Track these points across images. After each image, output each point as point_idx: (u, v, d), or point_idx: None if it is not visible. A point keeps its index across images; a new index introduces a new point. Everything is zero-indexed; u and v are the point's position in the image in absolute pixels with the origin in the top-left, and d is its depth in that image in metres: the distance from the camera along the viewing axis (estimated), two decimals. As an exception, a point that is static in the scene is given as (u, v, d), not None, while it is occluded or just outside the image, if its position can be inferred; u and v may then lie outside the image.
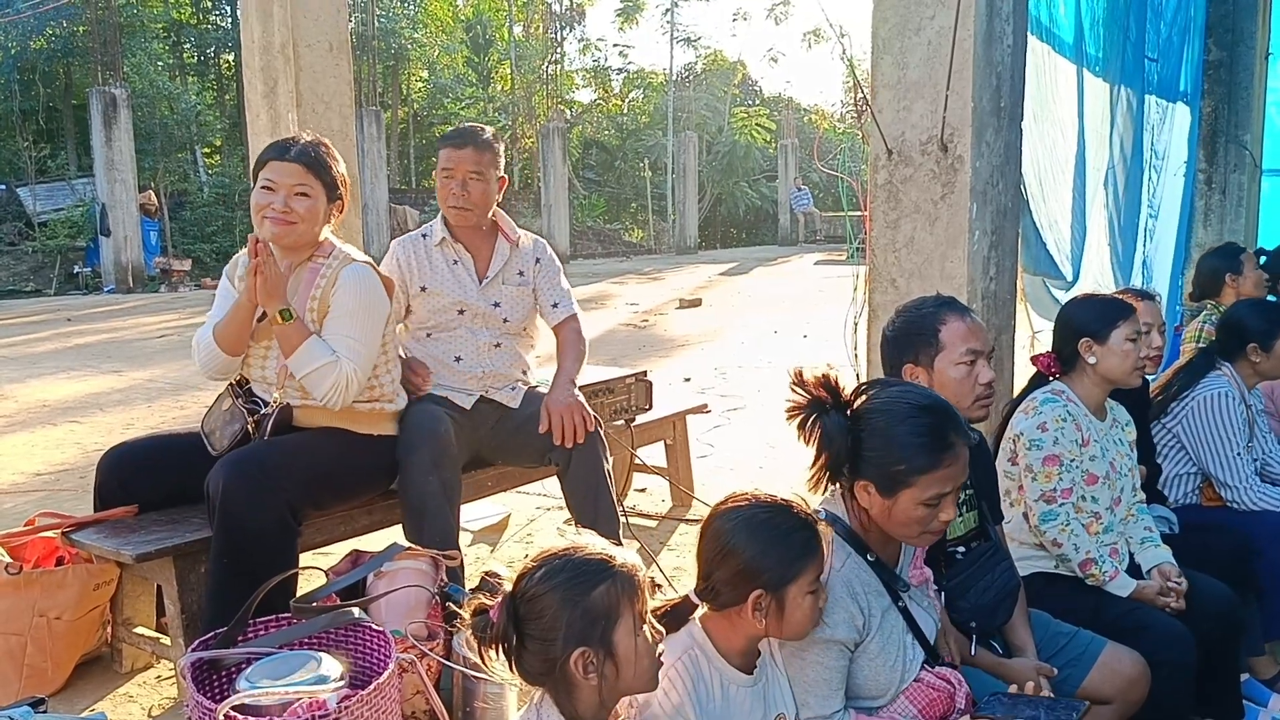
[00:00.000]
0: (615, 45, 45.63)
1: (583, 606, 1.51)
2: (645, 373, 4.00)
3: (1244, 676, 3.15)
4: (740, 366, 8.55)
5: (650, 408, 4.00)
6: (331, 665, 1.96)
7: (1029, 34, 3.83)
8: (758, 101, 34.69)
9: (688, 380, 7.83)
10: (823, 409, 1.84)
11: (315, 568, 2.72)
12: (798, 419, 1.85)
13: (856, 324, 3.88)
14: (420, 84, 29.64)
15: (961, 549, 2.44)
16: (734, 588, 1.71)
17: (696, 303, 13.26)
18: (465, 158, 3.25)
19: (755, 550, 1.70)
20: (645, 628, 1.56)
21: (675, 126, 27.89)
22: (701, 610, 1.79)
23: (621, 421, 3.87)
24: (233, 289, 2.85)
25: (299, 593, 2.54)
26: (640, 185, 29.66)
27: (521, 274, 3.41)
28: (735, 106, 31.98)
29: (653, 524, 4.44)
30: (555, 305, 3.44)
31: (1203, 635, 2.61)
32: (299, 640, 2.19)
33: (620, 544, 1.67)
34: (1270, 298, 4.49)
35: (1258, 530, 3.25)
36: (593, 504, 3.12)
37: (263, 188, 2.75)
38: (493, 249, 3.39)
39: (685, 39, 33.48)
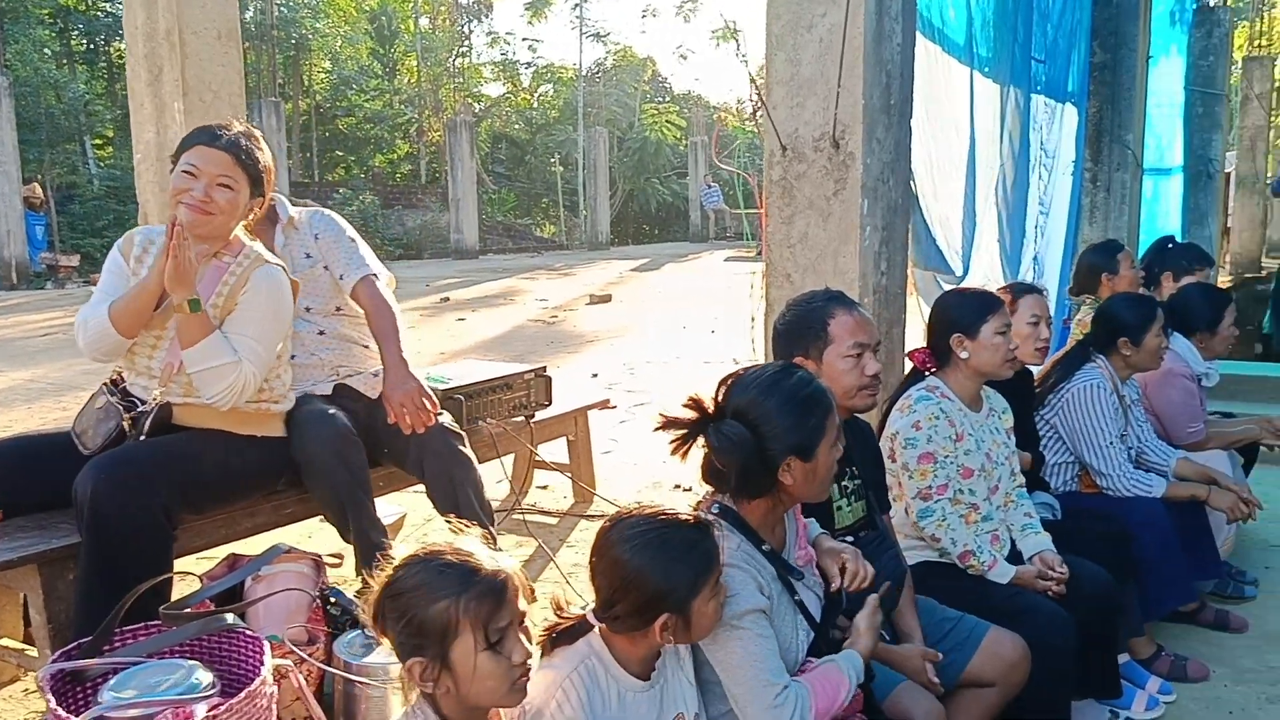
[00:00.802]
0: (524, 39, 45.53)
1: (418, 620, 1.49)
2: (544, 368, 3.95)
3: (1124, 658, 3.26)
4: (649, 362, 8.57)
5: (550, 404, 3.96)
6: (202, 674, 1.88)
7: (921, 35, 3.91)
8: (668, 98, 34.83)
9: (595, 376, 7.82)
10: (707, 424, 1.85)
11: (190, 573, 2.62)
12: (684, 447, 1.85)
13: (754, 319, 3.92)
14: (323, 75, 28.98)
15: (850, 539, 2.48)
16: (639, 615, 1.69)
17: (607, 299, 13.25)
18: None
19: (658, 578, 1.67)
20: (508, 642, 1.52)
21: (586, 122, 27.82)
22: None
23: (521, 418, 3.82)
24: (125, 266, 2.70)
25: (174, 599, 2.44)
26: (551, 180, 29.52)
27: (309, 255, 3.22)
28: (645, 103, 32.06)
29: (554, 521, 4.41)
30: (343, 276, 3.16)
31: (1081, 618, 2.70)
32: (169, 648, 2.11)
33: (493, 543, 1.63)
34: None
35: (1133, 515, 3.37)
36: (452, 505, 2.97)
37: (184, 172, 2.62)
38: (271, 239, 3.18)
39: (595, 34, 33.46)
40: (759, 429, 1.87)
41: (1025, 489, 3.08)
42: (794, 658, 1.95)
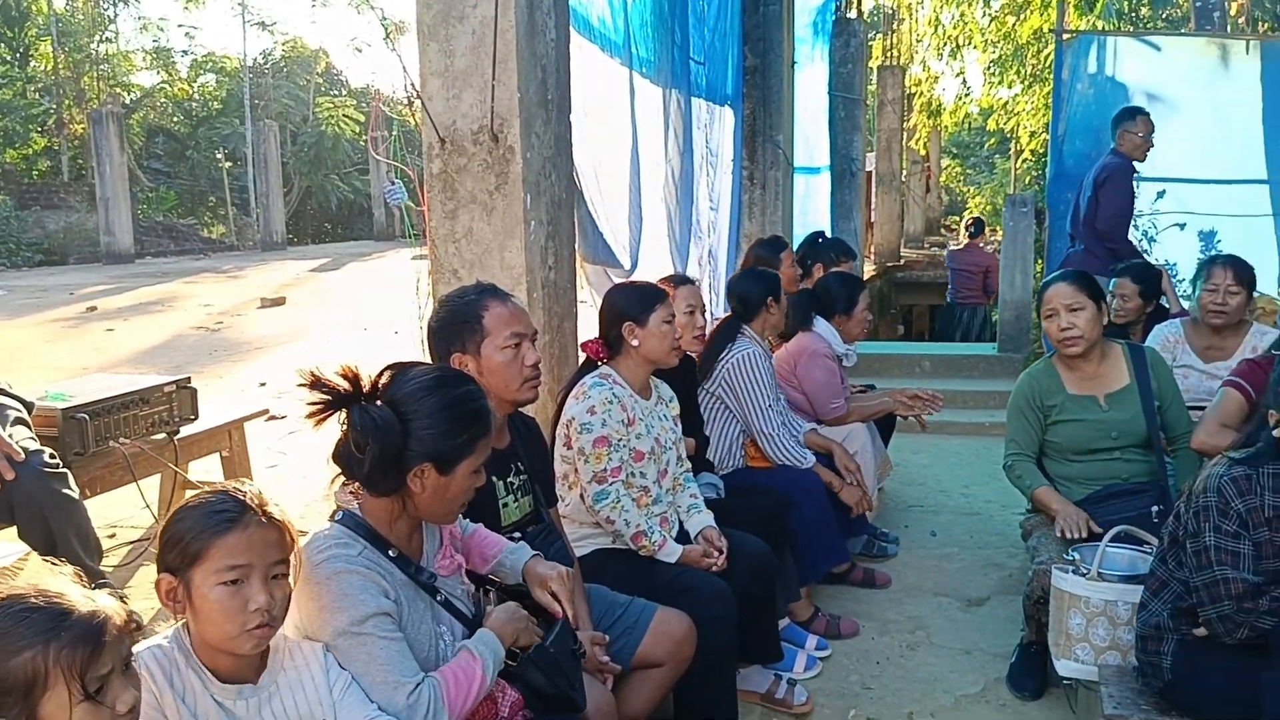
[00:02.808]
0: (180, 25, 42.15)
1: None
2: (188, 379, 3.61)
3: (785, 622, 3.49)
4: (325, 367, 8.15)
5: (197, 417, 3.62)
6: None
7: (578, 34, 3.96)
8: (344, 92, 33.50)
9: (263, 385, 7.34)
10: (354, 400, 1.75)
11: None
12: (322, 416, 1.75)
13: (422, 318, 3.81)
14: (-65, 58, 25.28)
15: (518, 534, 2.46)
16: (158, 569, 1.59)
17: (280, 301, 12.51)
18: None
19: (167, 533, 1.59)
20: (111, 690, 1.35)
21: (254, 115, 26.17)
22: None
23: (163, 435, 3.46)
24: None
25: None
26: (217, 177, 27.51)
27: None
28: (320, 96, 30.66)
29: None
30: None
31: (742, 589, 2.85)
32: None
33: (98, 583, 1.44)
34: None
35: (793, 488, 3.62)
36: (50, 552, 2.65)
37: None
38: None
39: (260, 23, 31.58)
40: (407, 424, 1.80)
41: (691, 473, 3.21)
42: (439, 660, 1.89)
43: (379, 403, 1.79)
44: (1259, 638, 2.21)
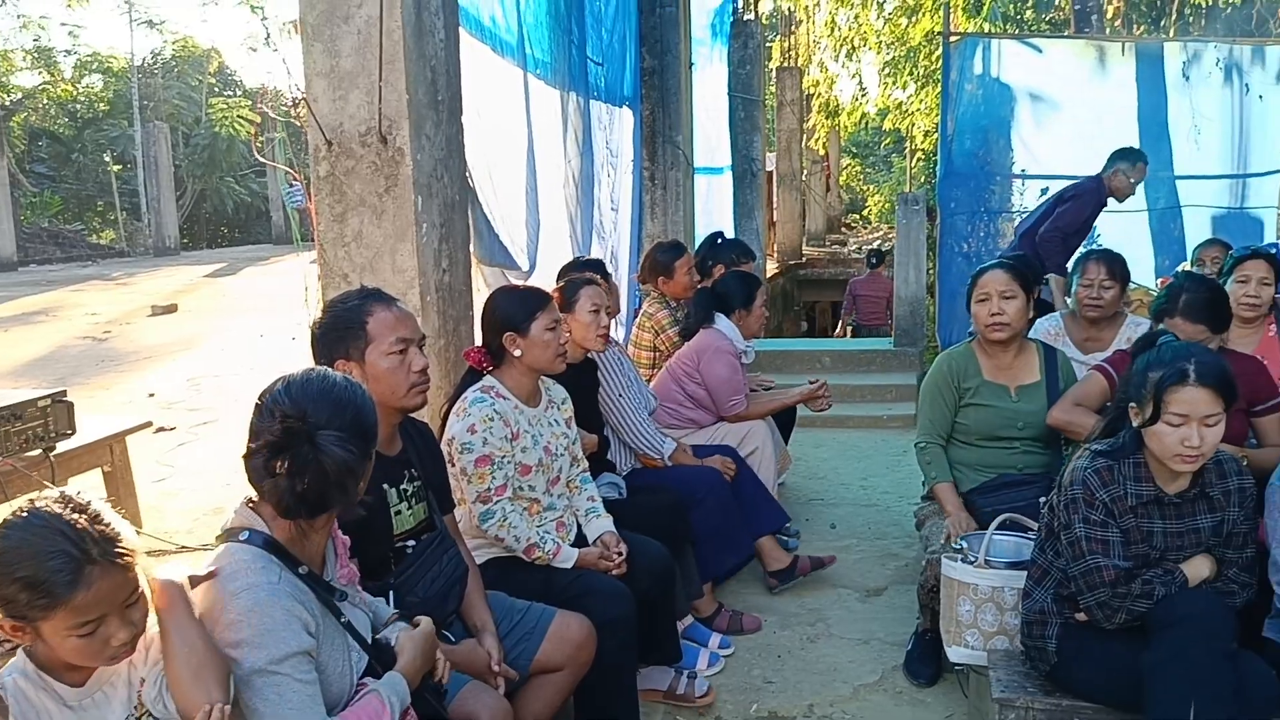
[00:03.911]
0: (63, 24, 40.47)
1: None
2: (64, 392, 3.45)
3: (689, 620, 3.50)
4: (217, 376, 7.93)
5: (74, 432, 3.47)
6: None
7: (469, 35, 3.91)
8: (239, 93, 32.59)
9: (152, 396, 7.08)
10: (293, 445, 1.68)
11: None
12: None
13: (313, 323, 3.71)
14: None
15: (412, 542, 2.41)
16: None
17: (172, 309, 12.10)
18: None
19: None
20: None
21: (143, 116, 25.27)
22: None
23: (38, 451, 3.31)
24: None
25: None
26: (105, 181, 26.49)
27: None
28: (213, 97, 29.77)
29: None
30: None
31: (641, 590, 2.84)
32: None
33: None
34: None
35: (695, 485, 3.63)
36: None
37: None
38: None
39: (147, 22, 30.46)
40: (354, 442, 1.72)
41: (589, 474, 3.17)
42: (348, 683, 1.83)
43: (322, 433, 1.68)
44: (1136, 619, 2.30)
